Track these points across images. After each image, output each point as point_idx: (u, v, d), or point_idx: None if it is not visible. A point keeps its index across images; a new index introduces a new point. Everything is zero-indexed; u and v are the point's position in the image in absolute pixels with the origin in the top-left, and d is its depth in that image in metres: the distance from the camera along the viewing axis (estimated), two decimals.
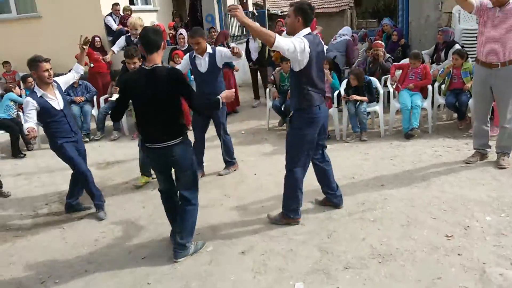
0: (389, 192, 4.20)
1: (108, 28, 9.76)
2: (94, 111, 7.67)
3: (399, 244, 3.29)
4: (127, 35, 5.66)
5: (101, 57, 8.85)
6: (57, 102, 4.15)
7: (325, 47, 6.10)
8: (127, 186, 5.17)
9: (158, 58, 3.17)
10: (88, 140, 7.26)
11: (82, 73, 4.68)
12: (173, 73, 3.18)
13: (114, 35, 9.71)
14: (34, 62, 4.04)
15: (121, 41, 5.46)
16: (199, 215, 3.81)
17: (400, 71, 6.46)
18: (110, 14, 9.72)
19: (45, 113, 4.08)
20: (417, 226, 3.52)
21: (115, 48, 5.26)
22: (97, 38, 9.14)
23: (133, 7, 10.51)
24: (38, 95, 4.06)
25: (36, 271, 3.51)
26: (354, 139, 6.01)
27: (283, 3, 24.03)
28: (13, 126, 6.77)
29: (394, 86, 6.44)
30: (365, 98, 6.04)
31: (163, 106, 3.17)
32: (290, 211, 3.76)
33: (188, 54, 5.05)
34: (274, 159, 5.56)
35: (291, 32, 3.49)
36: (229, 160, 5.30)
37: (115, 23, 9.69)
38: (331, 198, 3.97)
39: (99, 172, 5.78)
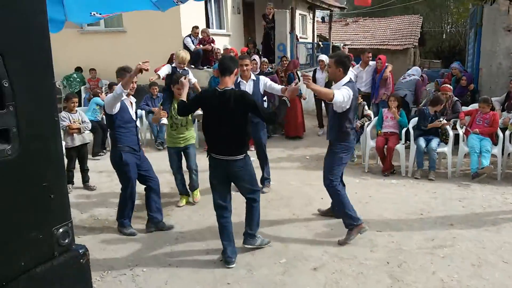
0: (458, 231, 4.29)
1: (186, 48, 10.45)
2: None
3: (470, 282, 3.39)
4: (172, 65, 6.00)
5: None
6: (132, 112, 4.35)
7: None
8: (202, 194, 5.51)
9: (230, 81, 3.61)
10: (162, 148, 7.79)
11: (119, 94, 4.18)
12: (240, 94, 3.61)
13: (192, 55, 10.38)
14: (124, 71, 4.22)
15: (166, 69, 5.69)
16: (269, 230, 4.20)
17: (469, 116, 6.54)
18: (189, 35, 10.43)
19: (121, 115, 4.16)
20: (488, 267, 3.59)
21: (161, 73, 5.45)
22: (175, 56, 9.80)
23: (209, 30, 11.20)
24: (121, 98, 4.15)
25: (125, 259, 3.90)
26: (420, 177, 6.10)
27: (346, 36, 24.44)
28: (97, 128, 7.39)
29: (463, 130, 6.50)
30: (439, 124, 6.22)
31: (233, 124, 3.56)
32: (351, 219, 4.10)
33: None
34: None
35: (333, 80, 4.18)
36: (267, 178, 5.72)
37: (193, 44, 10.37)
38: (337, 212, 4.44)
39: (173, 179, 6.19)
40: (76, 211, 5.02)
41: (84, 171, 5.81)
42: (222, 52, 10.78)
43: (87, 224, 4.68)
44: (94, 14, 3.82)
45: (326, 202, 5.09)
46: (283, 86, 4.99)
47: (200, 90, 5.77)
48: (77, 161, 5.84)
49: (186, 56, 5.83)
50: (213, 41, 10.49)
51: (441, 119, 6.33)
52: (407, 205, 5.02)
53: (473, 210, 4.86)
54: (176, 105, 4.73)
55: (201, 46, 10.31)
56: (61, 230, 1.34)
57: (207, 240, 4.24)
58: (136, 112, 4.58)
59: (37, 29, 1.30)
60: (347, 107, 3.97)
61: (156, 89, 8.39)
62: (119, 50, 11.00)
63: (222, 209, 3.78)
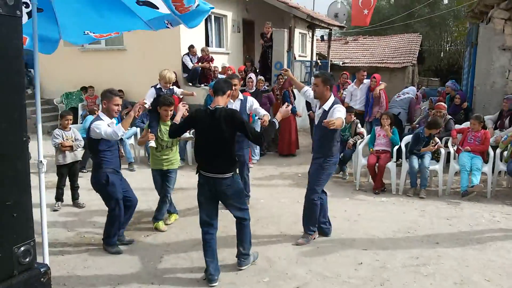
0: (443, 250, 4.27)
1: (184, 66, 10.61)
2: None
3: None
4: (157, 87, 5.89)
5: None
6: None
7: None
8: (191, 212, 5.54)
9: (222, 101, 3.70)
10: None
11: (120, 137, 4.24)
12: (230, 112, 3.69)
13: (190, 72, 10.54)
14: (110, 94, 4.15)
15: (151, 94, 5.64)
16: (256, 248, 4.22)
17: (461, 134, 6.57)
18: (187, 54, 10.58)
19: (107, 141, 4.12)
20: (470, 285, 3.58)
21: (147, 100, 5.36)
22: (175, 73, 9.94)
23: (208, 49, 11.36)
24: (106, 123, 4.14)
25: (107, 277, 3.89)
26: (412, 195, 6.10)
27: (345, 54, 24.64)
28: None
29: (455, 148, 6.52)
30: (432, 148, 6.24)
31: (222, 142, 3.63)
32: (314, 226, 4.55)
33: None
34: (330, 205, 5.70)
35: (320, 98, 4.33)
36: (247, 195, 5.66)
37: (191, 62, 10.52)
38: (323, 228, 4.71)
39: None
40: (62, 229, 5.04)
41: (74, 188, 5.85)
42: (220, 70, 10.93)
43: (72, 242, 4.68)
44: (87, 33, 3.89)
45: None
46: (265, 114, 5.00)
47: (192, 94, 6.07)
48: (67, 178, 5.86)
49: (171, 75, 5.76)
50: (212, 60, 10.63)
51: (435, 142, 6.32)
52: (395, 223, 5.02)
53: (460, 228, 4.85)
54: (162, 127, 4.83)
55: (199, 64, 10.45)
56: (22, 248, 1.37)
57: (192, 258, 4.24)
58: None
59: (11, 51, 1.35)
60: None
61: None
62: (120, 68, 11.17)
63: (207, 225, 3.80)
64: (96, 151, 4.16)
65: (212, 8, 3.34)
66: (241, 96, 5.33)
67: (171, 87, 5.76)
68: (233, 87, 5.12)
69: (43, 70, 12.31)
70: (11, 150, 1.30)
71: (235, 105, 5.24)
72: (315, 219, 4.55)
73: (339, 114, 4.09)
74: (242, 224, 3.92)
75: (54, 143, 5.75)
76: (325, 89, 4.24)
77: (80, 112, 10.45)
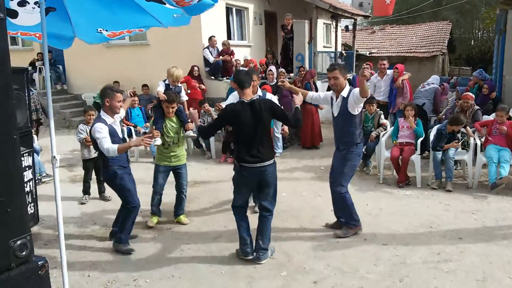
0: (466, 246, 4.17)
1: (205, 59, 10.66)
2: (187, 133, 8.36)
3: None
4: (166, 83, 5.97)
5: (197, 85, 9.71)
6: (119, 129, 4.26)
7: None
8: (212, 205, 5.60)
9: (250, 92, 3.91)
10: None
11: (122, 117, 4.68)
12: (268, 102, 3.95)
13: (211, 66, 10.59)
14: (111, 91, 4.09)
15: (162, 87, 5.69)
16: (274, 242, 4.24)
17: (485, 127, 6.35)
18: (207, 47, 10.63)
19: (111, 140, 4.01)
20: (493, 283, 3.49)
21: (160, 93, 5.37)
22: (195, 68, 10.03)
23: (230, 42, 11.38)
24: (108, 123, 4.07)
25: (130, 269, 4.00)
26: (437, 187, 5.98)
27: (372, 44, 24.18)
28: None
29: (482, 140, 6.32)
30: (456, 145, 6.08)
31: (264, 130, 3.83)
32: (355, 220, 4.50)
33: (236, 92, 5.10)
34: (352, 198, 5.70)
35: (341, 90, 4.30)
36: None
37: (212, 55, 10.56)
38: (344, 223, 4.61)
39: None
40: (90, 221, 5.20)
41: (100, 182, 5.99)
42: (242, 63, 10.93)
43: (99, 234, 4.82)
44: (100, 30, 3.97)
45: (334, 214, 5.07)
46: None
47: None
48: (94, 172, 6.02)
49: (179, 73, 5.83)
50: (232, 53, 10.65)
51: (458, 140, 6.17)
52: (417, 218, 4.93)
53: (485, 223, 4.72)
54: (167, 123, 4.82)
55: (220, 57, 10.49)
56: (18, 242, 1.43)
57: (213, 251, 4.30)
58: (122, 129, 4.52)
59: None
60: (361, 105, 4.29)
61: None
62: (143, 63, 11.33)
63: (242, 209, 4.10)
64: (100, 149, 4.03)
65: (216, 1, 3.31)
66: (260, 92, 5.25)
67: (179, 85, 5.81)
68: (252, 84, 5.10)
69: (70, 66, 12.68)
70: (1, 148, 1.35)
71: None
72: (349, 211, 4.50)
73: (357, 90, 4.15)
74: (265, 217, 4.04)
75: (79, 138, 5.90)
76: (344, 78, 4.31)
77: None
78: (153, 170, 5.02)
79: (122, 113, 4.58)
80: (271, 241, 4.15)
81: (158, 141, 4.74)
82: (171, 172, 4.97)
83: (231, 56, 10.55)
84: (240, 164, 3.88)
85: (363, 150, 6.77)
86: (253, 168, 3.83)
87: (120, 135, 4.23)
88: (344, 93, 4.30)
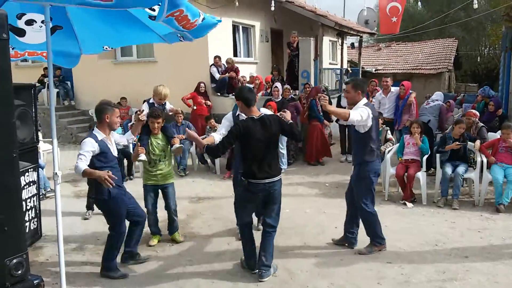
0: (472, 264, 4.11)
1: (212, 76, 10.77)
2: (192, 149, 8.39)
3: None
4: (150, 102, 5.74)
5: (203, 101, 9.78)
6: (113, 148, 4.05)
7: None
8: (215, 222, 5.57)
9: (256, 109, 3.94)
10: (183, 175, 7.96)
11: (131, 142, 4.53)
12: (276, 118, 3.97)
13: (217, 83, 10.68)
14: (111, 107, 3.93)
15: (146, 108, 5.56)
16: (278, 259, 4.21)
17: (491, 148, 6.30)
18: (213, 64, 10.74)
19: (103, 157, 3.87)
20: None
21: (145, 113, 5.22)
22: (202, 84, 10.11)
23: (236, 59, 11.50)
24: (99, 138, 3.87)
25: (132, 285, 3.97)
26: (443, 205, 5.92)
27: (378, 61, 24.26)
28: (119, 156, 7.60)
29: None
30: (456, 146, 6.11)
31: (274, 146, 3.91)
32: (380, 238, 4.47)
33: (231, 113, 4.90)
34: None
35: (353, 104, 4.30)
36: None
37: (218, 73, 10.66)
38: (349, 237, 4.65)
39: (191, 206, 6.32)
40: (92, 237, 5.19)
41: None
42: (248, 79, 11.00)
43: (101, 251, 4.78)
44: (106, 47, 4.06)
45: (339, 231, 5.01)
46: None
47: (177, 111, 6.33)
48: None
49: (166, 91, 5.61)
50: (237, 70, 10.72)
51: (461, 142, 6.17)
52: (423, 236, 4.87)
53: (491, 241, 4.64)
54: (153, 140, 4.71)
55: (226, 74, 10.58)
56: (14, 261, 1.42)
57: (215, 269, 4.26)
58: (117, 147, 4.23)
59: None
60: (368, 125, 4.19)
61: (181, 117, 8.60)
62: (151, 79, 11.39)
63: (250, 226, 4.12)
64: (94, 168, 3.78)
65: (220, 21, 3.37)
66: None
67: (165, 102, 5.72)
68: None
69: (78, 82, 12.83)
70: (1, 167, 1.35)
71: None
72: (374, 229, 4.47)
73: (352, 111, 4.11)
74: (269, 233, 4.03)
75: None
76: (356, 94, 4.28)
77: None
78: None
79: (129, 135, 4.42)
80: (274, 257, 4.11)
81: (143, 157, 4.54)
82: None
83: (237, 73, 10.62)
84: (248, 180, 3.85)
85: None
86: (261, 184, 3.82)
87: (114, 152, 4.03)
88: (356, 108, 4.26)
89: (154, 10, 3.10)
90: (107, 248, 4.14)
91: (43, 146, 7.83)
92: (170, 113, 5.99)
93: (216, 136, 4.17)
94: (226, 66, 10.73)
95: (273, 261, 4.07)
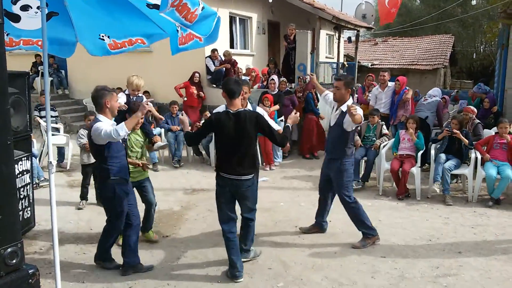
0: (466, 260, 4.13)
1: (207, 68, 10.70)
2: None
3: None
4: (126, 93, 5.53)
5: (195, 92, 9.70)
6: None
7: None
8: (210, 213, 5.55)
9: (239, 103, 3.81)
10: (178, 166, 7.94)
11: (122, 137, 3.60)
12: (255, 115, 3.79)
13: (212, 74, 10.62)
14: (108, 91, 3.71)
15: (122, 98, 5.39)
16: (273, 252, 4.21)
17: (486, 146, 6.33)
18: (209, 56, 10.67)
19: (112, 145, 3.68)
20: None
21: (121, 101, 4.98)
22: (196, 74, 10.01)
23: (232, 51, 11.43)
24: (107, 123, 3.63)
25: (125, 276, 3.94)
26: (439, 189, 6.00)
27: (374, 56, 24.25)
28: None
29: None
30: (466, 141, 6.16)
31: (248, 143, 3.72)
32: (371, 229, 4.50)
33: (224, 105, 4.62)
34: None
35: (340, 100, 4.35)
36: None
37: (214, 65, 10.60)
38: (323, 225, 4.86)
39: (185, 197, 6.31)
40: (86, 227, 5.16)
41: None
42: (244, 71, 10.96)
43: (94, 241, 4.75)
44: (102, 36, 3.97)
45: (333, 224, 5.04)
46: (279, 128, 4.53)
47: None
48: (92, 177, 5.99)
49: (139, 82, 5.39)
50: (235, 63, 10.64)
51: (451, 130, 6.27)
52: (416, 231, 4.89)
53: (485, 237, 4.68)
54: (131, 137, 4.51)
55: (221, 66, 10.51)
56: (9, 250, 1.39)
57: (209, 260, 4.26)
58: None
59: None
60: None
61: (176, 107, 8.57)
62: (146, 70, 11.32)
63: (230, 222, 3.88)
64: (102, 158, 3.68)
65: (215, 12, 3.35)
66: (249, 106, 4.94)
67: (140, 94, 5.50)
68: (242, 95, 4.91)
69: (72, 71, 12.70)
70: None
71: None
72: (362, 221, 4.48)
73: (359, 111, 4.16)
74: (248, 224, 4.04)
75: (79, 143, 5.89)
76: (346, 92, 4.33)
77: None
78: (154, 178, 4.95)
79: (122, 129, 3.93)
80: (269, 249, 4.14)
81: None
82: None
83: (235, 65, 10.54)
84: (218, 172, 3.83)
85: (364, 159, 6.81)
86: (228, 179, 3.76)
87: (121, 140, 3.82)
88: (344, 107, 4.29)
89: None
90: (102, 239, 4.05)
91: (55, 140, 7.77)
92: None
93: None
94: (224, 58, 10.66)
95: (268, 255, 4.10)
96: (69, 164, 7.89)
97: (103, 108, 3.71)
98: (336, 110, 4.44)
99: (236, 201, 3.95)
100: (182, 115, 4.23)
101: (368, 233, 4.50)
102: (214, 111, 4.67)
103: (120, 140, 3.77)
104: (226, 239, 3.87)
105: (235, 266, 3.82)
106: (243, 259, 3.99)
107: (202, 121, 4.87)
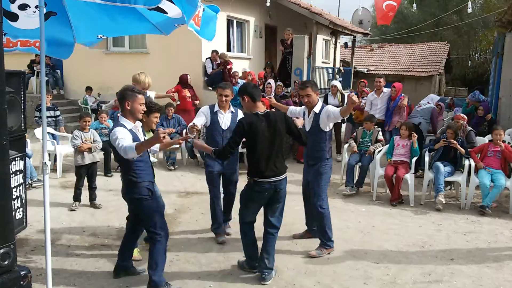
0: (458, 267, 4.15)
1: (205, 69, 10.71)
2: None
3: None
4: None
5: (187, 95, 9.67)
6: (143, 138, 3.68)
7: None
8: (203, 217, 5.54)
9: (262, 105, 3.84)
10: (172, 168, 7.91)
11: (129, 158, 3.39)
12: (282, 114, 3.92)
13: (209, 76, 10.63)
14: (132, 92, 3.48)
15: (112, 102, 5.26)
16: None
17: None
18: (209, 58, 10.67)
19: None
20: None
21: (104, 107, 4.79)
22: (187, 76, 9.95)
23: (229, 54, 11.45)
24: (128, 128, 3.46)
25: (117, 279, 3.92)
26: (424, 203, 6.07)
27: (370, 62, 24.37)
28: (107, 148, 7.49)
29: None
30: (463, 150, 6.20)
31: (280, 143, 3.78)
32: (330, 241, 4.47)
33: (208, 107, 4.75)
34: (344, 215, 5.68)
35: (314, 105, 4.34)
36: (230, 218, 5.14)
37: (212, 67, 10.60)
38: (315, 231, 4.70)
39: (179, 200, 6.29)
40: (78, 229, 5.13)
41: (92, 189, 5.94)
42: (240, 75, 10.97)
43: (87, 243, 4.75)
44: (100, 37, 3.99)
45: None
46: None
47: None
48: (86, 179, 5.96)
49: (150, 80, 5.32)
50: (230, 63, 10.60)
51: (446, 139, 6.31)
52: (409, 237, 4.91)
53: (477, 245, 4.70)
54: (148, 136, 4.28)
55: (218, 68, 10.50)
56: (1, 251, 1.38)
57: (201, 264, 4.25)
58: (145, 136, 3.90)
59: None
60: (331, 125, 4.43)
61: (171, 110, 8.54)
62: (142, 70, 11.32)
63: (253, 225, 3.97)
64: (127, 162, 3.41)
65: (218, 10, 3.37)
66: (232, 108, 4.90)
67: (148, 92, 5.41)
68: (224, 98, 4.70)
69: (68, 71, 12.66)
70: None
71: (226, 117, 4.80)
72: (325, 231, 4.44)
73: (335, 108, 4.31)
74: (272, 235, 3.93)
75: (73, 144, 5.87)
76: (316, 94, 4.37)
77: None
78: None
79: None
80: None
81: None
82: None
83: (230, 68, 10.50)
84: (254, 179, 3.75)
85: (358, 165, 6.83)
86: (267, 182, 3.71)
87: None
88: (316, 109, 4.33)
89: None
90: (154, 256, 3.58)
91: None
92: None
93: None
94: (219, 61, 10.66)
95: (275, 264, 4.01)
96: (60, 172, 7.66)
97: (124, 109, 3.50)
98: (309, 115, 4.44)
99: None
100: (195, 137, 4.09)
101: (327, 244, 4.46)
102: (202, 110, 4.71)
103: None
104: (247, 235, 3.95)
105: (254, 258, 3.96)
106: (267, 281, 3.82)
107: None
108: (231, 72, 10.47)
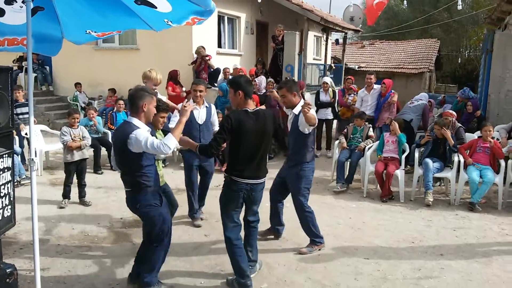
0: (447, 262, 4.19)
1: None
2: None
3: None
4: None
5: (180, 91, 9.62)
6: None
7: None
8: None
9: (252, 103, 3.69)
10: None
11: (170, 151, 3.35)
12: (272, 113, 3.78)
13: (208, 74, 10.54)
14: (148, 94, 3.38)
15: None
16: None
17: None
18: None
19: (148, 155, 3.31)
20: None
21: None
22: (178, 72, 9.88)
23: (220, 50, 11.40)
24: (146, 128, 3.33)
25: (106, 277, 3.90)
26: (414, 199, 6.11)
27: (361, 59, 24.44)
28: (96, 144, 7.45)
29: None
30: (452, 141, 6.26)
31: (266, 145, 3.63)
32: (319, 237, 4.47)
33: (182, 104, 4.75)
34: (335, 211, 5.70)
35: (291, 107, 4.24)
36: (202, 204, 5.42)
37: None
38: (280, 230, 4.78)
39: (181, 197, 6.24)
40: (67, 227, 5.08)
41: (81, 186, 5.89)
42: (231, 71, 10.91)
43: (76, 240, 4.71)
44: (89, 32, 3.91)
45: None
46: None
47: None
48: (75, 176, 5.91)
49: (161, 76, 5.29)
50: (209, 57, 10.44)
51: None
52: (400, 233, 4.94)
53: (466, 240, 4.74)
54: (157, 137, 4.10)
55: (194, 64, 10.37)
56: None
57: (192, 261, 4.24)
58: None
59: None
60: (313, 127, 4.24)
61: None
62: (132, 67, 11.21)
63: (237, 228, 3.70)
64: (138, 167, 3.27)
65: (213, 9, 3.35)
66: (206, 103, 4.97)
67: (155, 87, 5.27)
68: (198, 93, 4.82)
69: (57, 67, 12.52)
70: None
71: (202, 112, 4.89)
72: (312, 229, 4.44)
73: (312, 112, 4.12)
74: (254, 227, 3.92)
75: (62, 140, 5.81)
76: (292, 95, 4.18)
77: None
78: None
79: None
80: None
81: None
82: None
83: (206, 62, 10.26)
84: (231, 177, 3.57)
85: (347, 161, 6.84)
86: (244, 183, 3.54)
87: None
88: (296, 110, 4.18)
89: None
90: (154, 261, 3.54)
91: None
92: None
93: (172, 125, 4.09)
94: (196, 56, 10.38)
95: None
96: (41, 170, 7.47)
97: (138, 110, 3.32)
98: (290, 115, 4.38)
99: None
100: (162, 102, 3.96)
101: (317, 241, 4.47)
102: (178, 106, 4.68)
103: None
104: (234, 247, 3.61)
105: (245, 275, 3.58)
106: (252, 275, 3.75)
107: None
108: (208, 64, 10.25)
